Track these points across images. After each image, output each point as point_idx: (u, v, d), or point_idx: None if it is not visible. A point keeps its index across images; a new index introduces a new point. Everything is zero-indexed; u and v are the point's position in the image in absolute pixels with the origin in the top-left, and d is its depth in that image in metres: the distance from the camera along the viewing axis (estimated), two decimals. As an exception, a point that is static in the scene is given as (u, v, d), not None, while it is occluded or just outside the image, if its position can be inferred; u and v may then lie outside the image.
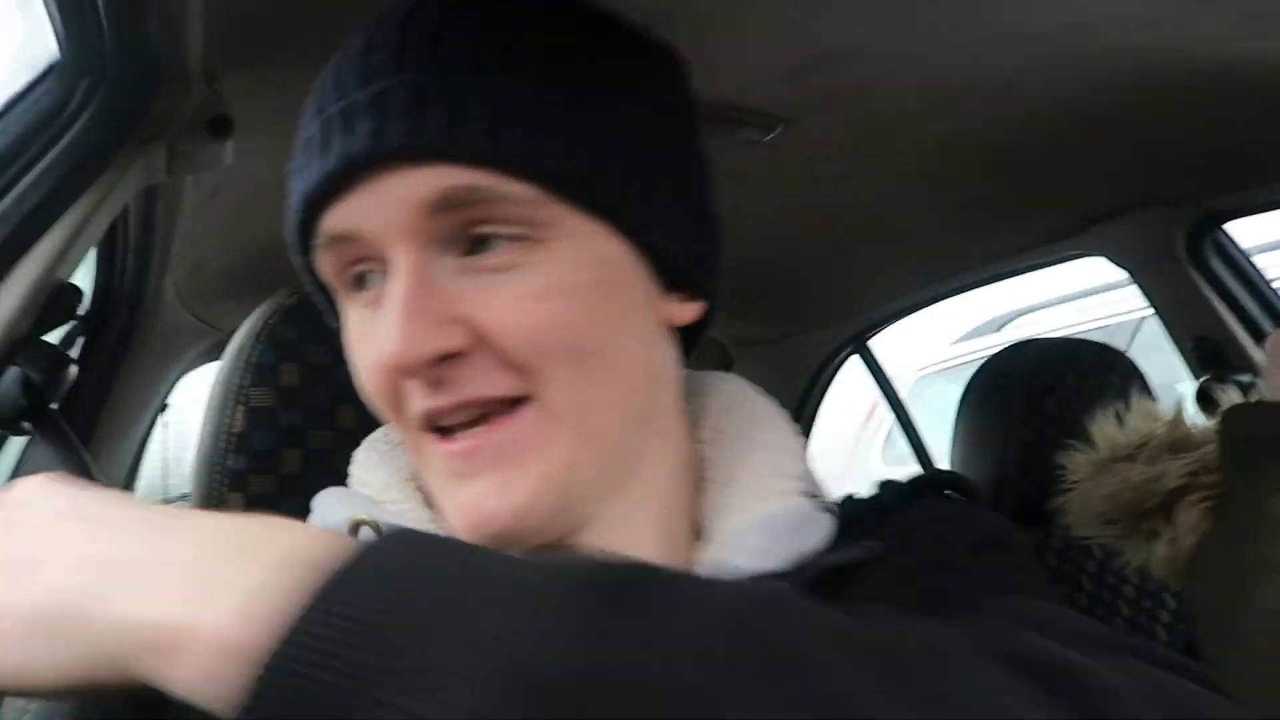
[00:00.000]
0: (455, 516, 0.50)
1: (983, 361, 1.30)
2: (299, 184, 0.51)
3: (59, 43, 0.74)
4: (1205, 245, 1.40)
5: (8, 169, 0.71)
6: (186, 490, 0.83)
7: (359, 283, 0.51)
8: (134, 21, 0.71)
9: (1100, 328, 3.33)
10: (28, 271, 0.71)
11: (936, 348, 4.28)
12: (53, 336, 0.90)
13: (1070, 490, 1.02)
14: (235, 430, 0.77)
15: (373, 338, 0.50)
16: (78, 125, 0.74)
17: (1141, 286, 1.49)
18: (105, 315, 1.45)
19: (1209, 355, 1.42)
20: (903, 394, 2.40)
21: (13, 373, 0.73)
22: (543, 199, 0.49)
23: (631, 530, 0.55)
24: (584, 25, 0.54)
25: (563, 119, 0.50)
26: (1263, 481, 0.84)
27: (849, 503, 0.61)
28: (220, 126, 0.84)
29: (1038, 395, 1.21)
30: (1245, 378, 1.38)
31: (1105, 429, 1.01)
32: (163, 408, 2.24)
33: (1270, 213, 1.33)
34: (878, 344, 2.32)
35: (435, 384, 0.49)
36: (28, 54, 0.76)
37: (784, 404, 2.17)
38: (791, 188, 1.43)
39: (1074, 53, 0.96)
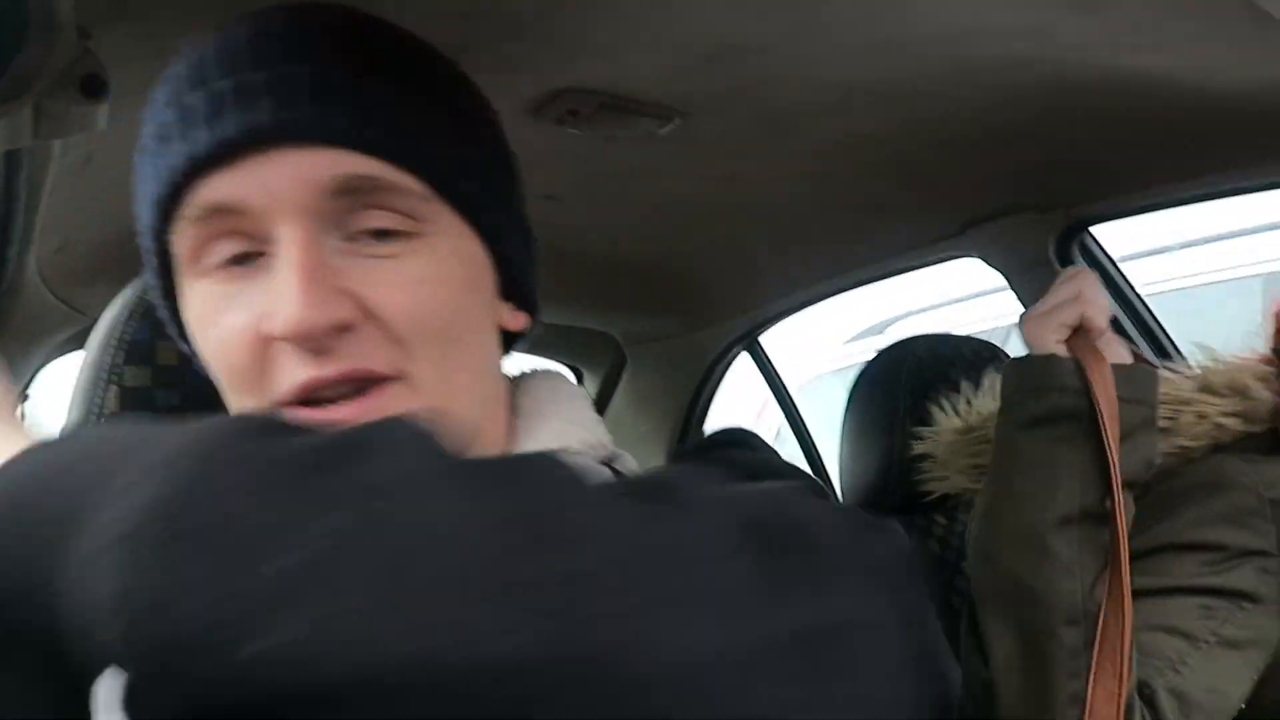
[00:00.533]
0: None
1: (874, 354, 1.34)
2: (172, 155, 0.52)
3: (-90, -13, 0.68)
4: (1074, 249, 1.48)
5: None
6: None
7: (221, 259, 0.53)
8: (-3, -33, 0.66)
9: (978, 332, 3.50)
10: None
11: (825, 350, 4.40)
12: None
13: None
14: (106, 412, 0.73)
15: (243, 308, 0.51)
16: (-70, 78, 0.68)
17: (1015, 289, 1.56)
18: (-41, 294, 1.35)
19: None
20: (793, 394, 2.47)
21: None
22: (428, 195, 0.54)
23: None
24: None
25: (446, 124, 0.57)
26: (1013, 420, 0.95)
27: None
28: (94, 86, 0.79)
29: (923, 391, 1.25)
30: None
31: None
32: (24, 398, 2.10)
33: (1135, 217, 1.42)
34: (768, 344, 2.37)
35: (320, 353, 0.50)
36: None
37: (677, 400, 2.21)
38: (687, 183, 1.44)
39: (962, 59, 1.00)
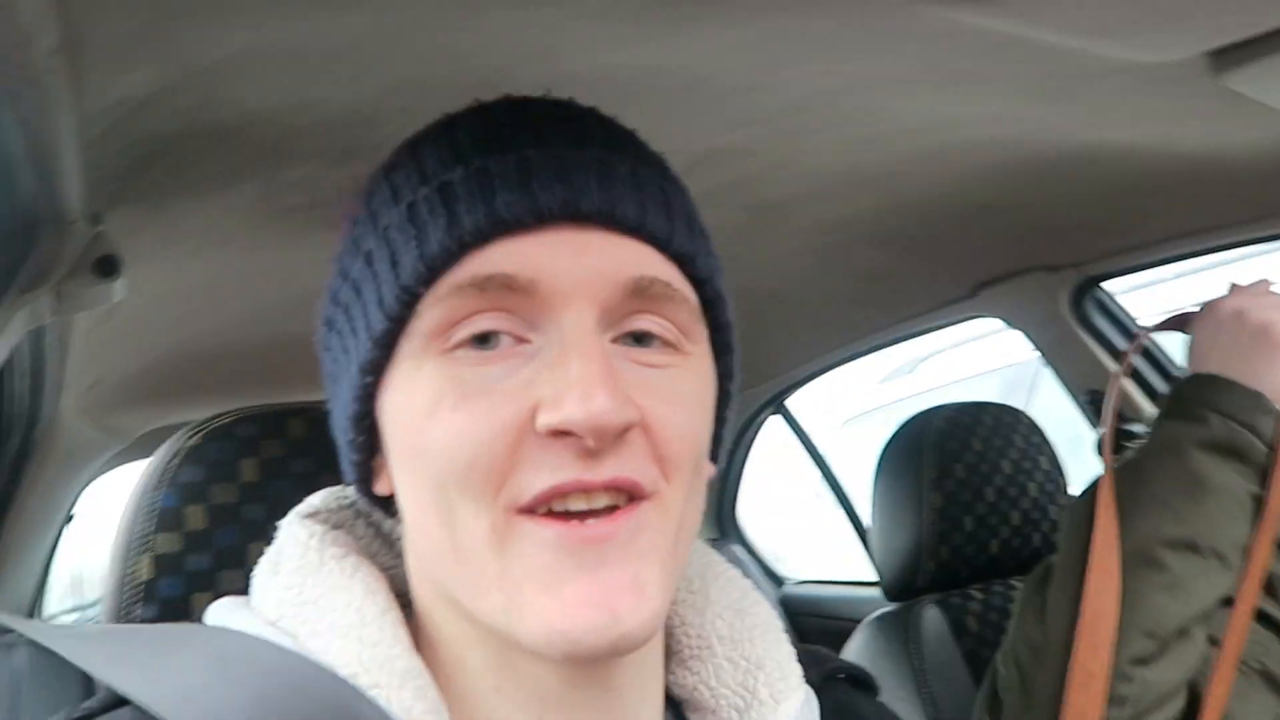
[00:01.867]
0: (545, 609, 0.45)
1: (894, 429, 1.33)
2: (448, 224, 0.47)
3: (-69, 200, 0.73)
4: (1087, 304, 1.48)
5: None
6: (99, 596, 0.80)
7: (468, 335, 0.47)
8: (7, 176, 0.70)
9: (1011, 365, 3.46)
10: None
11: (861, 391, 4.38)
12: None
13: None
14: (140, 579, 0.75)
15: (504, 395, 0.46)
16: (-46, 281, 0.72)
17: (1034, 343, 1.55)
18: (0, 439, 1.40)
19: (1101, 408, 1.48)
20: (833, 435, 2.45)
21: None
22: (697, 312, 0.51)
23: (645, 680, 0.54)
24: None
25: (708, 241, 0.54)
26: (1193, 434, 0.90)
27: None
28: (108, 266, 0.83)
29: (946, 461, 1.24)
30: (1138, 427, 1.44)
31: None
32: (68, 519, 2.16)
33: (1145, 271, 1.40)
34: (799, 398, 2.36)
35: (592, 455, 0.45)
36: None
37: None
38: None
39: (937, 146, 1.02)
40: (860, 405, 4.37)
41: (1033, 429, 1.33)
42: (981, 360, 3.69)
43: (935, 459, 1.24)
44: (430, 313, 0.47)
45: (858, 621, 1.33)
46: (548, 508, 0.45)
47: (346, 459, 0.54)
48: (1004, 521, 1.25)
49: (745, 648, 0.57)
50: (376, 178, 0.52)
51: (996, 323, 1.60)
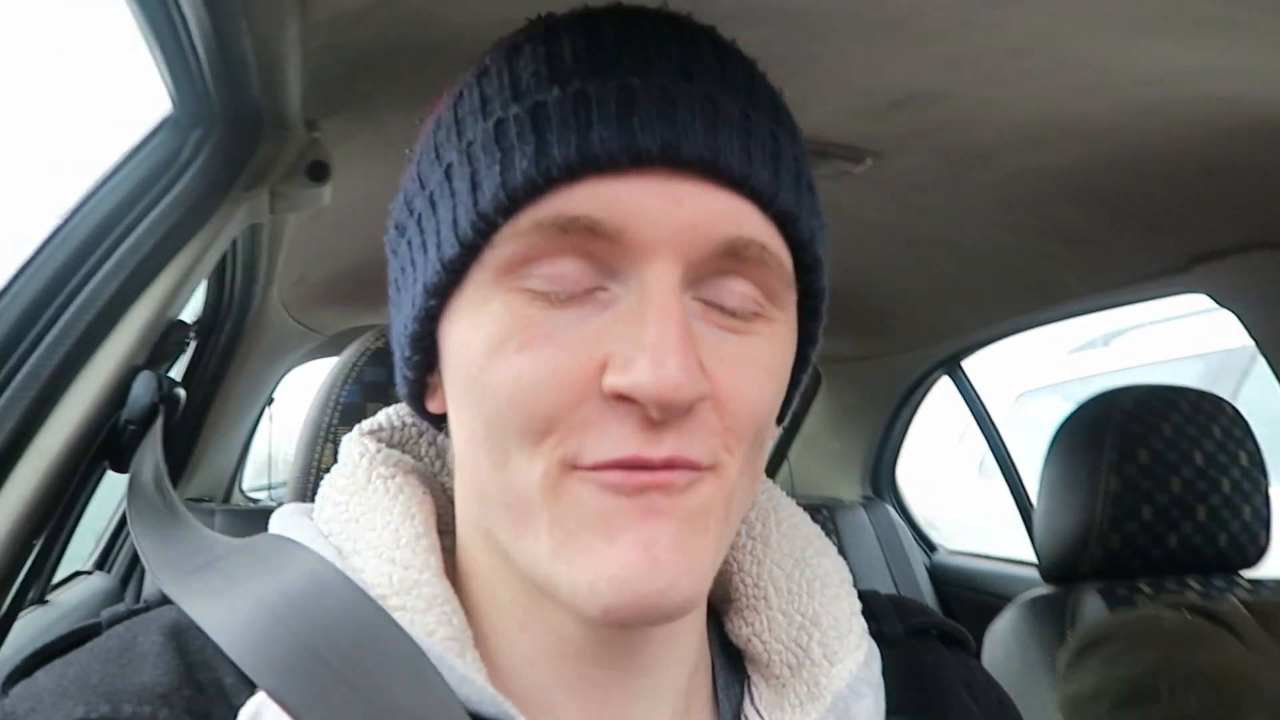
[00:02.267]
0: (599, 565, 0.42)
1: (1075, 405, 1.26)
2: (534, 153, 0.42)
3: (171, 98, 0.80)
4: (1323, 289, 1.32)
5: (125, 216, 0.77)
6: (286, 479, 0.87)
7: (547, 290, 0.43)
8: (238, 78, 0.76)
9: (1219, 350, 3.17)
10: (142, 312, 0.76)
11: (1043, 360, 4.14)
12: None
13: None
14: (324, 466, 0.81)
15: (574, 344, 0.43)
16: (188, 174, 0.79)
17: (1248, 327, 1.41)
18: (215, 324, 1.54)
19: (1323, 405, 1.34)
20: (1005, 410, 2.33)
21: (144, 377, 0.77)
22: (790, 277, 0.47)
23: (678, 636, 0.51)
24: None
25: (813, 194, 0.48)
26: None
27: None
28: (318, 171, 0.89)
29: (1130, 444, 1.16)
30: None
31: None
32: (269, 403, 2.37)
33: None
34: (977, 359, 2.26)
35: (655, 428, 0.42)
36: (144, 108, 0.82)
37: (872, 422, 2.18)
38: (882, 216, 1.42)
39: (1166, 101, 0.93)
40: (1039, 379, 4.13)
41: (1235, 421, 1.22)
42: (1184, 342, 3.40)
43: (1118, 440, 1.16)
44: (507, 246, 0.43)
45: (1008, 599, 1.28)
46: (609, 476, 0.43)
47: (401, 373, 0.52)
48: (1188, 515, 1.16)
49: (801, 601, 0.54)
50: (467, 81, 0.48)
51: (1203, 301, 1.46)
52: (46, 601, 1.71)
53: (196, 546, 0.55)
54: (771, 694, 0.52)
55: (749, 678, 0.54)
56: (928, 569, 2.37)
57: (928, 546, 2.51)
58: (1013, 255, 1.51)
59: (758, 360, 0.45)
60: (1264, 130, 0.97)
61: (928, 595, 2.27)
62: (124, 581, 1.98)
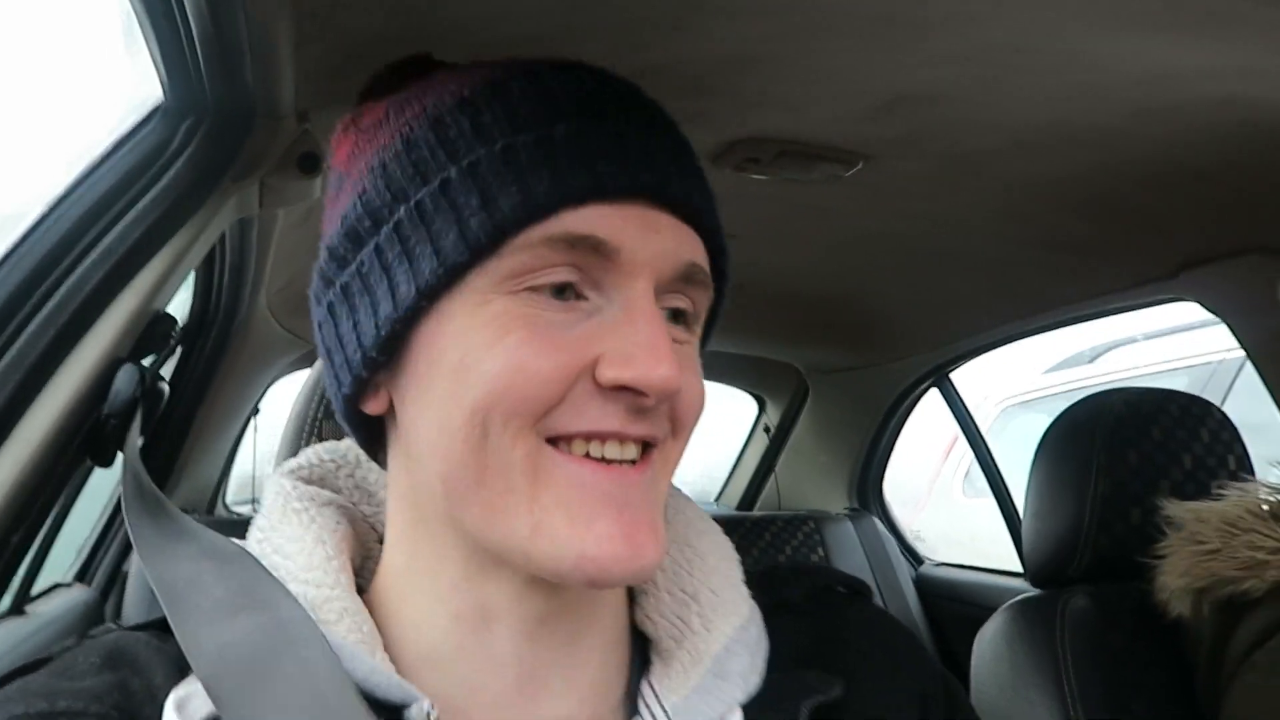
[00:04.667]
0: (578, 537, 0.50)
1: (1065, 408, 1.26)
2: (550, 177, 0.50)
3: (162, 86, 0.79)
4: (1309, 294, 1.33)
5: (112, 205, 0.76)
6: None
7: (539, 284, 0.51)
8: (231, 67, 0.75)
9: (1204, 364, 3.19)
10: (127, 303, 0.75)
11: (1026, 376, 4.16)
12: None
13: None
14: None
15: (567, 342, 0.51)
16: (178, 164, 0.78)
17: (1237, 335, 1.42)
18: (202, 328, 1.52)
19: (1310, 411, 1.35)
20: (986, 424, 2.34)
21: (127, 369, 0.76)
22: (711, 290, 0.57)
23: (604, 627, 0.59)
24: None
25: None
26: None
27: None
28: (309, 163, 0.88)
29: (1120, 447, 1.17)
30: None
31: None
32: (254, 412, 2.34)
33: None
34: (961, 374, 2.27)
35: (635, 411, 0.51)
36: (135, 96, 0.81)
37: (860, 433, 2.17)
38: (873, 221, 1.42)
39: (1164, 102, 0.93)
40: (1023, 393, 4.15)
41: (1223, 425, 1.23)
42: (1171, 355, 3.42)
43: (1108, 443, 1.17)
44: (516, 256, 0.50)
45: (994, 610, 1.27)
46: (585, 450, 0.51)
47: (347, 374, 0.55)
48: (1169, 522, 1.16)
49: (682, 579, 0.61)
50: (448, 107, 0.54)
51: (1188, 316, 1.47)
52: (24, 613, 1.68)
53: (183, 551, 0.60)
54: (661, 666, 0.59)
55: (649, 657, 0.61)
56: (914, 581, 2.37)
57: (914, 559, 2.51)
58: (1004, 262, 1.52)
59: (694, 363, 0.56)
60: (1256, 132, 0.98)
61: (914, 607, 2.26)
62: (104, 594, 1.95)
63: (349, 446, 0.65)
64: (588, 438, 0.51)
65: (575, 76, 0.55)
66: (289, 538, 0.58)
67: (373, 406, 0.57)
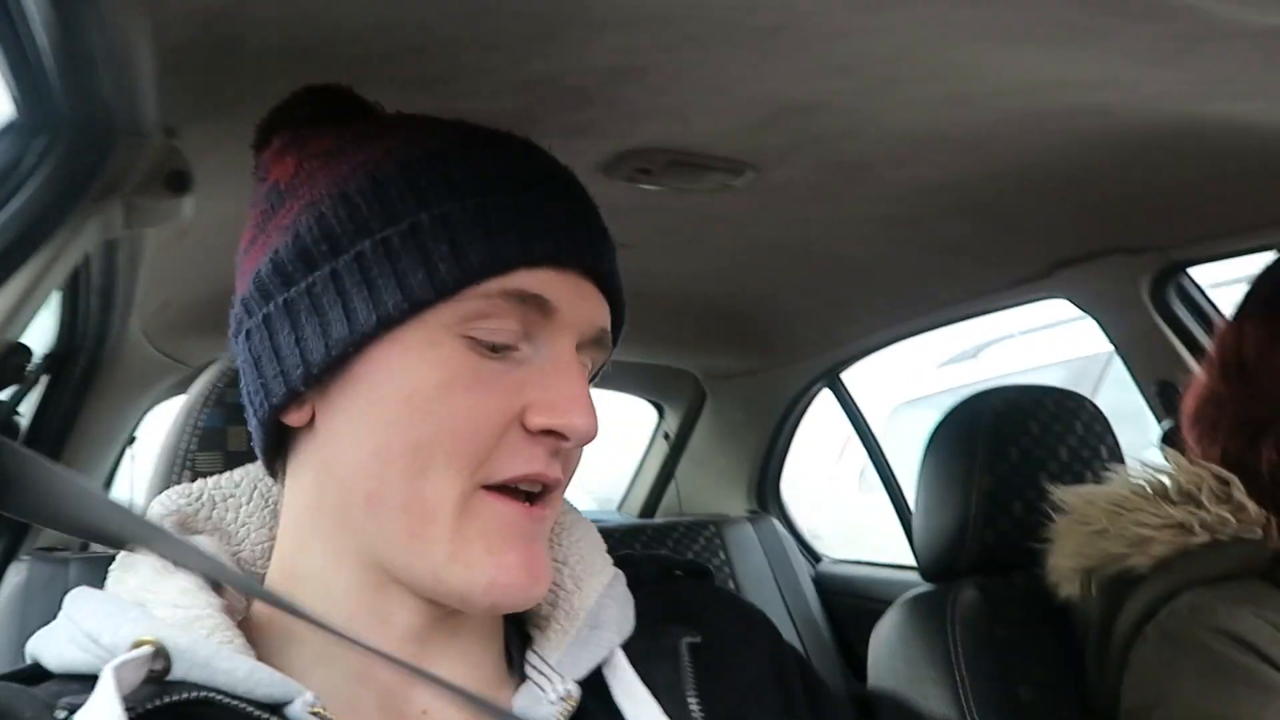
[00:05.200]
0: (492, 567, 0.56)
1: (948, 408, 1.30)
2: (516, 239, 0.56)
3: (14, 101, 0.74)
4: (1169, 290, 1.42)
5: (-42, 229, 0.70)
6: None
7: (481, 334, 0.57)
8: (87, 82, 0.71)
9: (1078, 357, 3.37)
10: (-24, 332, 0.70)
11: (916, 375, 4.30)
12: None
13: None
14: None
15: (504, 389, 0.56)
16: (31, 184, 0.73)
17: (1106, 330, 1.50)
18: (70, 354, 1.44)
19: (1172, 400, 1.43)
20: (881, 422, 2.41)
21: None
22: (606, 358, 0.65)
23: (486, 621, 0.64)
24: None
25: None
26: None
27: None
28: (178, 182, 0.84)
29: (1001, 444, 1.21)
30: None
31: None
32: (130, 440, 2.22)
33: (1231, 259, 1.34)
34: (853, 374, 2.33)
35: (556, 456, 0.58)
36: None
37: (757, 436, 2.20)
38: (764, 229, 1.44)
39: (1035, 110, 0.98)
40: (912, 391, 4.30)
41: (1096, 416, 1.29)
42: (1048, 350, 3.60)
43: (990, 439, 1.21)
44: (473, 302, 0.56)
45: (890, 602, 1.30)
46: (513, 488, 0.57)
47: (280, 385, 0.58)
48: (1056, 508, 1.21)
49: (553, 549, 0.67)
50: (418, 157, 0.58)
51: (1071, 311, 1.55)
52: None
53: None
54: (540, 633, 0.64)
55: (528, 632, 0.66)
56: (813, 579, 2.41)
57: (813, 557, 2.56)
58: (890, 266, 1.56)
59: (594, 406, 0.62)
60: (1117, 139, 1.03)
61: (814, 604, 2.30)
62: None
63: (201, 487, 0.66)
64: (519, 481, 0.57)
65: (520, 149, 0.62)
66: (155, 582, 0.58)
67: (295, 419, 0.59)
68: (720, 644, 0.66)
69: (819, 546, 2.62)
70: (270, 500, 0.67)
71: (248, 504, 0.67)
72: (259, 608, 0.61)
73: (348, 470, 0.57)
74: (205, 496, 0.66)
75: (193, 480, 0.75)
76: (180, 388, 2.12)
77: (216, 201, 0.98)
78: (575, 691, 0.60)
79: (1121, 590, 0.98)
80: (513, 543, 0.56)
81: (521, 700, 0.60)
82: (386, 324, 0.55)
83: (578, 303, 0.59)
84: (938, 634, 1.16)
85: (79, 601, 0.57)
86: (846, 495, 3.97)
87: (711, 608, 0.70)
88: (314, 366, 0.56)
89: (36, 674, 0.56)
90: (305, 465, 0.60)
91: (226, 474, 0.68)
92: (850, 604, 2.29)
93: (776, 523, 2.46)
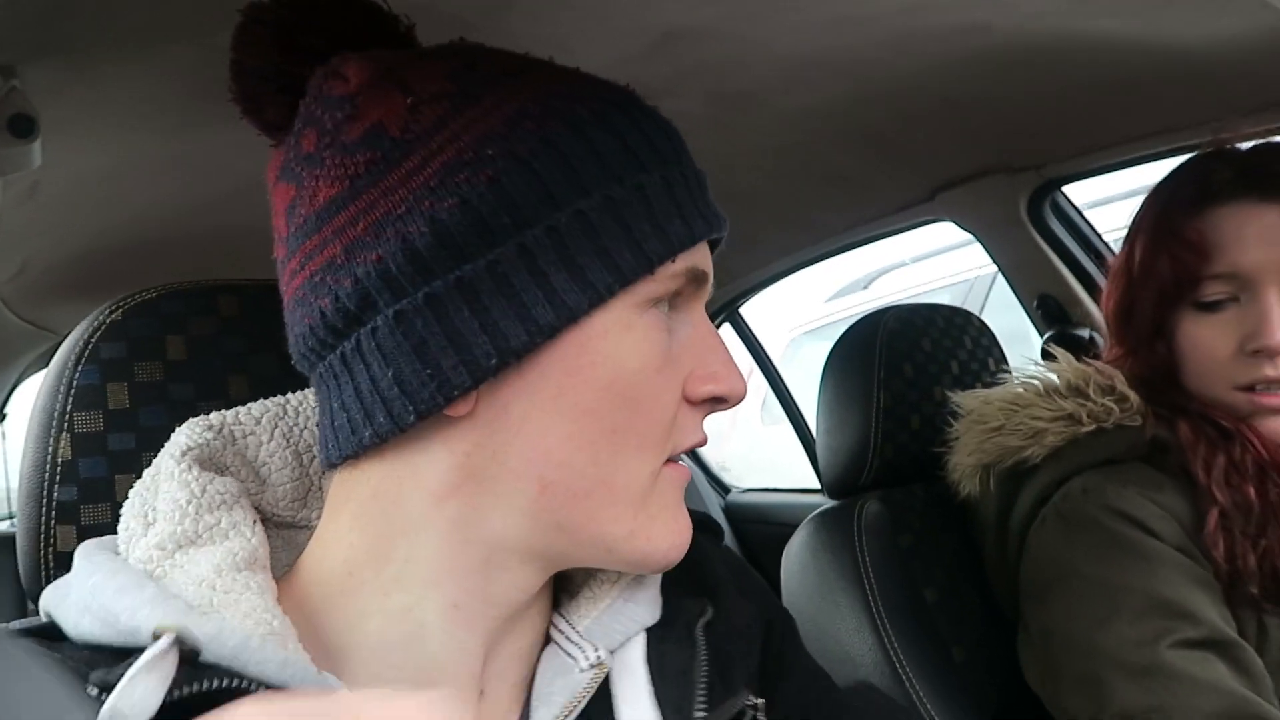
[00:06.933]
0: (671, 533, 0.56)
1: (844, 330, 1.33)
2: (692, 219, 0.54)
3: None
4: (1045, 208, 1.47)
5: None
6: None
7: (667, 321, 0.56)
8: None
9: (963, 281, 3.49)
10: None
11: (809, 306, 4.39)
12: None
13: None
14: (60, 459, 0.72)
15: (677, 365, 0.56)
16: None
17: (988, 249, 1.55)
18: (-81, 326, 1.33)
19: (1052, 312, 1.50)
20: (778, 354, 2.46)
21: None
22: None
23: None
24: None
25: None
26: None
27: None
28: (22, 126, 0.77)
29: (896, 361, 1.25)
30: (1084, 332, 1.46)
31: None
32: (0, 417, 2.09)
33: (1105, 175, 1.40)
34: (751, 307, 2.36)
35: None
36: None
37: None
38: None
39: (915, 28, 0.99)
40: (808, 322, 4.39)
41: (983, 331, 1.34)
42: (934, 275, 3.71)
43: (886, 357, 1.24)
44: (661, 282, 0.53)
45: (798, 526, 1.34)
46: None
47: (463, 375, 0.51)
48: (950, 420, 1.26)
49: None
50: (586, 119, 0.52)
51: (951, 239, 1.59)
52: None
53: None
54: (569, 600, 0.62)
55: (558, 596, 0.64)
56: (723, 509, 2.47)
57: (722, 489, 2.61)
58: (781, 196, 1.58)
59: None
60: (1000, 58, 1.05)
61: (726, 532, 2.36)
62: None
63: (220, 420, 0.60)
64: (690, 451, 0.60)
65: (650, 108, 0.58)
66: (194, 560, 0.52)
67: (460, 409, 0.52)
68: (722, 611, 0.65)
69: (727, 479, 2.68)
70: (292, 440, 0.61)
71: (269, 442, 0.61)
72: (309, 574, 0.56)
73: (519, 459, 0.53)
74: (225, 431, 0.60)
75: (71, 442, 0.71)
76: (49, 357, 2.00)
77: (66, 152, 0.91)
78: (608, 659, 0.58)
79: (1018, 481, 1.04)
80: (681, 505, 0.58)
81: (548, 665, 0.58)
82: (592, 304, 0.51)
83: (709, 268, 0.58)
84: (845, 547, 1.20)
85: (89, 565, 0.51)
86: (750, 427, 4.05)
87: (718, 567, 0.70)
88: (511, 354, 0.50)
89: (56, 634, 0.50)
90: (439, 453, 0.53)
91: (244, 409, 0.62)
92: (761, 530, 2.35)
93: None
